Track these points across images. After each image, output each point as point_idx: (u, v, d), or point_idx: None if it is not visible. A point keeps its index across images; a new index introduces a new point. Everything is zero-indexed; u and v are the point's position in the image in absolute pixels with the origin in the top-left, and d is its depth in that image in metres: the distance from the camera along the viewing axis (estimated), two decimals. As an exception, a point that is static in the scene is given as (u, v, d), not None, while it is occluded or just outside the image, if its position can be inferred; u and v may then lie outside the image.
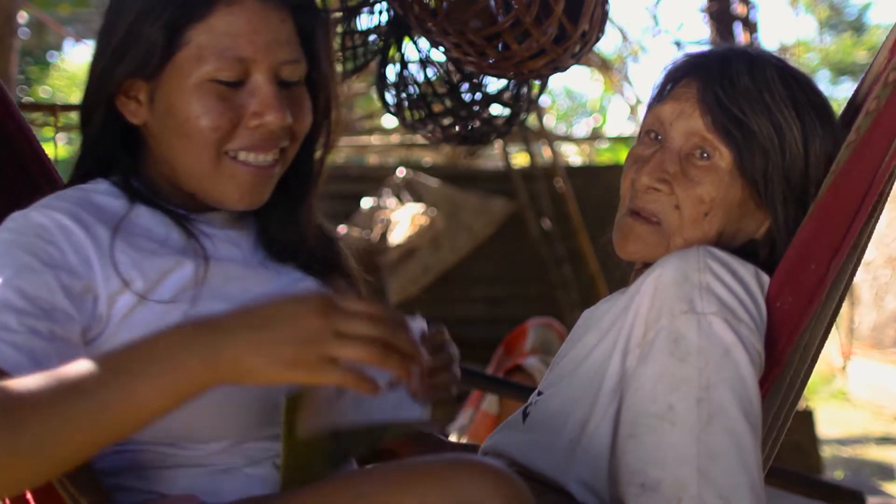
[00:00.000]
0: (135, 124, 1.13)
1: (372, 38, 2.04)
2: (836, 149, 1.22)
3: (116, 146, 1.15)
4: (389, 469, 0.99)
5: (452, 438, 3.23)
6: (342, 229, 5.61)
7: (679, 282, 1.12)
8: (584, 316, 1.35)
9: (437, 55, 1.97)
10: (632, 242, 1.26)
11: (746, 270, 1.16)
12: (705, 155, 1.22)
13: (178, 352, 0.86)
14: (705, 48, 1.34)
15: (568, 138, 9.48)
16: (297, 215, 1.21)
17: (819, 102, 1.25)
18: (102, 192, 1.13)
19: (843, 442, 6.03)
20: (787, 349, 1.17)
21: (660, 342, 1.11)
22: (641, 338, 1.14)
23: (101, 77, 1.11)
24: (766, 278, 1.18)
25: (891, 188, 1.22)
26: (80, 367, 0.87)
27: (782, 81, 1.23)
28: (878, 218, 1.23)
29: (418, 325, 1.02)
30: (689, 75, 1.25)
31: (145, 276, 1.06)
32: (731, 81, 1.22)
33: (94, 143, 1.15)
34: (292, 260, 1.20)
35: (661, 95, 1.29)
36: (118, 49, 1.09)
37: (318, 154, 1.24)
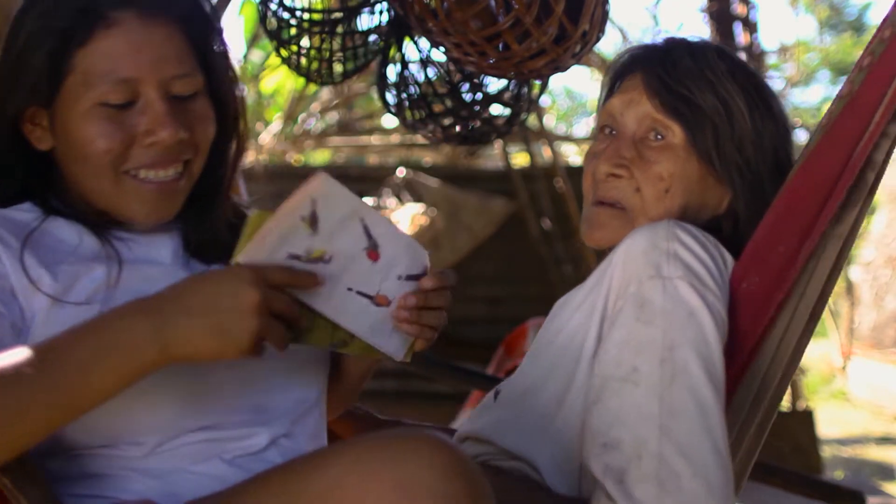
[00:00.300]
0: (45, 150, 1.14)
1: (372, 38, 2.04)
2: (777, 125, 1.29)
3: (27, 171, 1.15)
4: (330, 449, 1.00)
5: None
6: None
7: (647, 250, 1.13)
8: (558, 303, 1.35)
9: (438, 55, 1.97)
10: (597, 230, 1.29)
11: (710, 242, 1.17)
12: (659, 136, 1.27)
13: (130, 334, 0.92)
14: (647, 43, 1.37)
15: (568, 138, 9.46)
16: (213, 220, 1.20)
17: (758, 81, 1.31)
18: (20, 210, 1.15)
19: (843, 442, 6.03)
20: (755, 331, 1.17)
21: (627, 308, 1.13)
22: (612, 307, 1.16)
23: (1, 106, 1.12)
24: (728, 255, 1.19)
25: (883, 163, 1.21)
26: (31, 351, 0.92)
27: (722, 60, 1.29)
28: (867, 202, 1.22)
29: (421, 258, 1.07)
30: (633, 68, 1.31)
31: (57, 279, 1.08)
32: (673, 64, 1.27)
33: (4, 168, 1.15)
34: (217, 259, 1.20)
35: (610, 92, 1.34)
36: (11, 78, 1.10)
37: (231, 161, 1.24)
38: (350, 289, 1.04)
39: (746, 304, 1.16)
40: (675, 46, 1.31)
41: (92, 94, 1.07)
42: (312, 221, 1.00)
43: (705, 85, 1.26)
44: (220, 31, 1.17)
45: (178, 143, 1.10)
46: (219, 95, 1.17)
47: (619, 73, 1.34)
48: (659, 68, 1.28)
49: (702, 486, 1.03)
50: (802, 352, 1.26)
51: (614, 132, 1.31)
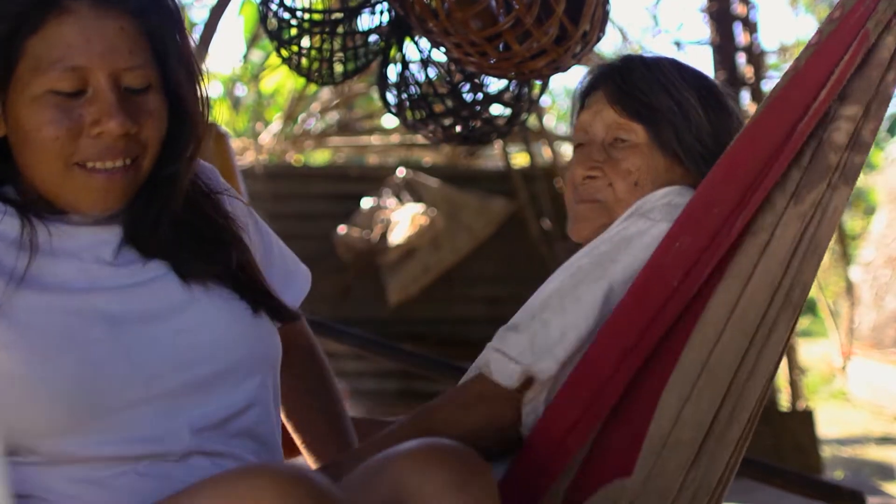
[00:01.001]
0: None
1: (373, 38, 2.04)
2: (731, 118, 1.43)
3: None
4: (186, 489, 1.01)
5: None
6: (342, 229, 5.61)
7: (631, 213, 1.33)
8: None
9: (438, 55, 1.97)
10: (580, 222, 1.46)
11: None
12: (625, 139, 1.41)
13: None
14: (609, 61, 1.52)
15: (568, 138, 9.47)
16: (157, 215, 1.18)
17: (709, 83, 1.46)
18: None
19: (843, 442, 6.03)
20: (690, 288, 1.21)
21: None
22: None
23: None
24: None
25: (849, 147, 1.24)
26: None
27: (673, 67, 1.44)
28: (840, 187, 1.24)
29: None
30: (596, 85, 1.47)
31: None
32: (630, 74, 1.43)
33: None
34: (157, 255, 1.18)
35: (579, 110, 1.49)
36: None
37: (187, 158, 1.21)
38: None
39: (678, 262, 1.22)
40: (630, 61, 1.47)
41: (42, 81, 1.07)
42: None
43: (660, 89, 1.41)
44: (180, 27, 1.16)
45: (126, 136, 1.09)
46: (176, 91, 1.16)
47: (585, 92, 1.49)
48: (618, 80, 1.43)
49: (527, 340, 1.28)
50: (786, 332, 1.26)
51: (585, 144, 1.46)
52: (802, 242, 1.24)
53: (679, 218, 1.25)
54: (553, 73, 1.79)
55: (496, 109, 2.04)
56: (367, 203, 5.74)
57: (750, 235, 1.23)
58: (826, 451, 5.41)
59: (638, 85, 1.42)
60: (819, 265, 1.27)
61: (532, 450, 1.22)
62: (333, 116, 7.37)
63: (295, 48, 2.00)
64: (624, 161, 1.40)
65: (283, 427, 1.34)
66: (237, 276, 1.20)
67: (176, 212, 1.19)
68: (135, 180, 1.14)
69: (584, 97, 1.49)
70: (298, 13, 1.96)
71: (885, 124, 5.23)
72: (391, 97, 2.04)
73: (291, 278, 1.38)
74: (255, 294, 1.21)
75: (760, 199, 1.22)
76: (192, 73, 1.17)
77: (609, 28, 1.80)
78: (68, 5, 1.07)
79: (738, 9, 5.55)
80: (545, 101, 9.28)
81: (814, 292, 5.71)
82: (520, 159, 6.58)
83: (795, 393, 5.48)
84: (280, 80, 6.93)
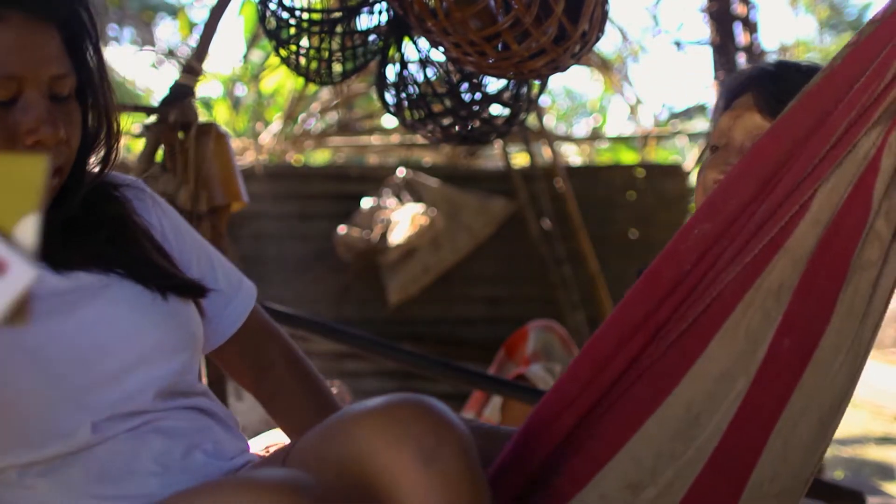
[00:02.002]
0: None
1: (372, 38, 2.04)
2: None
3: None
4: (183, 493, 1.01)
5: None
6: (342, 229, 5.61)
7: None
8: None
9: (437, 55, 1.97)
10: None
11: None
12: None
13: None
14: (757, 65, 1.46)
15: (568, 138, 9.46)
16: (65, 221, 1.19)
17: None
18: None
19: (843, 442, 6.03)
20: (699, 268, 1.18)
21: None
22: None
23: None
24: None
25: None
26: None
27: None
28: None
29: None
30: (745, 88, 1.40)
31: None
32: (782, 81, 1.36)
33: None
34: (67, 257, 1.18)
35: (720, 111, 1.43)
36: None
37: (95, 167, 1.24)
38: None
39: (694, 247, 1.18)
40: (784, 67, 1.41)
41: None
42: None
43: None
44: (96, 34, 1.18)
45: (56, 144, 1.10)
46: (86, 99, 1.18)
47: (733, 95, 1.42)
48: (770, 85, 1.38)
49: None
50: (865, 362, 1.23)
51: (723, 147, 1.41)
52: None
53: (700, 208, 1.22)
54: (552, 73, 1.78)
55: (495, 109, 2.04)
56: (367, 203, 5.74)
57: (860, 270, 1.17)
58: (826, 451, 5.40)
59: (792, 92, 1.30)
60: None
61: (530, 425, 1.19)
62: (333, 116, 7.37)
63: (294, 48, 2.00)
64: None
65: None
66: (138, 266, 1.20)
67: (74, 210, 1.19)
68: (56, 186, 1.15)
69: (730, 99, 1.43)
70: (297, 13, 1.96)
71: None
72: (390, 97, 2.04)
73: (235, 291, 1.38)
74: (159, 279, 1.20)
75: (794, 197, 1.17)
76: (107, 81, 1.20)
77: (609, 28, 1.80)
78: (3, 13, 1.07)
79: (738, 9, 5.55)
80: (544, 100, 9.29)
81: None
82: (520, 159, 6.58)
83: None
84: (280, 80, 6.92)
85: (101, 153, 1.23)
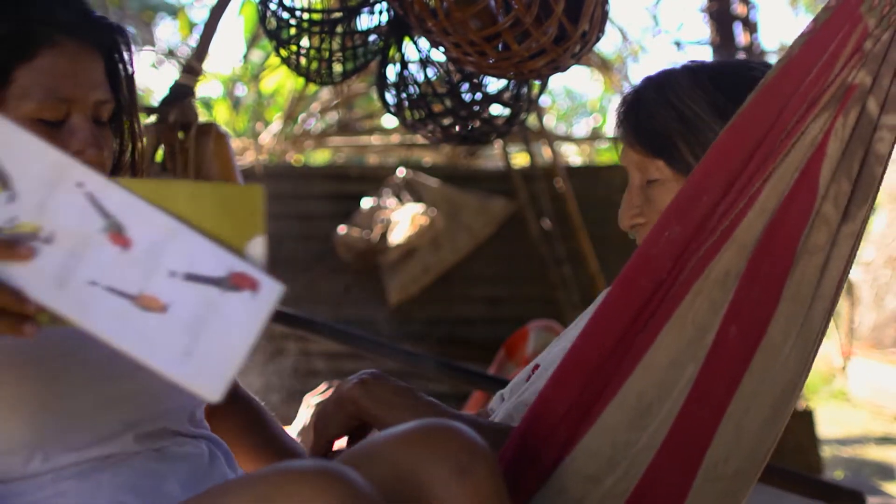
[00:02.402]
0: None
1: (372, 38, 2.04)
2: None
3: None
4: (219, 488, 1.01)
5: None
6: (342, 229, 5.61)
7: None
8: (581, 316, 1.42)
9: (438, 55, 1.97)
10: None
11: None
12: (653, 177, 1.35)
13: None
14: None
15: (568, 138, 9.46)
16: None
17: (732, 81, 1.33)
18: None
19: (843, 442, 6.03)
20: (675, 277, 1.17)
21: None
22: None
23: None
24: None
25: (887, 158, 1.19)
26: None
27: (686, 75, 1.35)
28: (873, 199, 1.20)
29: (216, 254, 0.83)
30: (618, 126, 1.40)
31: None
32: (639, 103, 1.36)
33: None
34: None
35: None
36: None
37: None
38: (94, 283, 0.82)
39: (665, 252, 1.18)
40: (643, 85, 1.39)
41: (27, 108, 1.09)
42: (1, 180, 0.82)
43: (668, 110, 1.33)
44: (130, 63, 1.22)
45: (99, 165, 1.13)
46: (119, 126, 1.23)
47: (616, 133, 1.43)
48: (631, 117, 1.37)
49: None
50: (818, 350, 1.23)
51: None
52: (850, 261, 1.20)
53: (668, 208, 1.20)
54: (552, 73, 1.78)
55: (495, 109, 2.04)
56: (367, 203, 5.74)
57: (806, 255, 1.17)
58: (826, 451, 5.40)
59: (650, 116, 1.35)
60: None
61: (519, 441, 1.20)
62: (333, 116, 7.37)
63: (294, 48, 2.00)
64: (658, 201, 1.35)
65: None
66: None
67: None
68: None
69: (617, 134, 1.43)
70: (298, 13, 1.96)
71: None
72: (390, 97, 2.04)
73: None
74: None
75: (747, 188, 1.18)
76: (136, 107, 1.25)
77: (609, 28, 1.80)
78: (59, 39, 1.10)
79: (738, 9, 5.55)
80: (545, 100, 9.29)
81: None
82: (520, 159, 6.58)
83: (795, 393, 5.46)
84: (280, 80, 6.92)
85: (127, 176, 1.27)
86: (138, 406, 1.14)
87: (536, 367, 1.43)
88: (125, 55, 1.21)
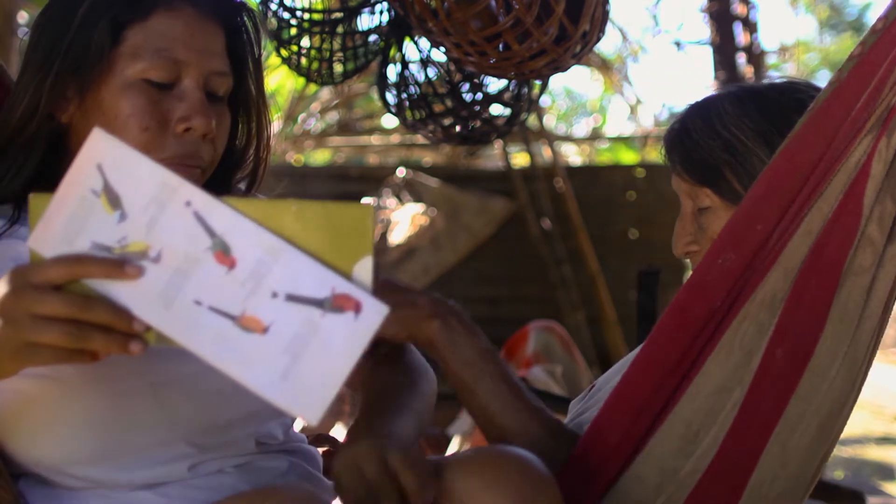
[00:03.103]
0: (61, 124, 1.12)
1: (373, 38, 2.04)
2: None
3: (44, 154, 1.11)
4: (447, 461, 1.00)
5: (454, 441, 3.22)
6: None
7: None
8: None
9: (438, 55, 1.97)
10: None
11: None
12: (704, 205, 1.35)
13: None
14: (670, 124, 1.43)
15: (568, 138, 9.47)
16: None
17: (778, 108, 1.31)
18: None
19: (843, 442, 6.02)
20: (730, 306, 1.16)
21: None
22: None
23: (41, 83, 1.09)
24: None
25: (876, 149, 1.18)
26: None
27: (735, 103, 1.33)
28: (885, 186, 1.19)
29: (320, 273, 0.81)
30: (666, 151, 1.40)
31: None
32: (687, 134, 1.35)
33: (23, 157, 1.11)
34: None
35: None
36: (63, 49, 1.08)
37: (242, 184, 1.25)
38: (199, 302, 0.81)
39: (721, 280, 1.16)
40: (688, 113, 1.38)
41: (137, 67, 1.08)
42: (112, 199, 0.82)
43: (714, 137, 1.32)
44: (258, 51, 1.20)
45: (205, 140, 1.11)
46: (240, 109, 1.20)
47: (666, 159, 1.42)
48: (678, 146, 1.36)
49: None
50: (869, 370, 1.23)
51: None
52: None
53: (721, 235, 1.19)
54: (553, 73, 1.78)
55: (496, 109, 2.04)
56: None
57: (852, 276, 1.16)
58: (830, 455, 5.39)
59: (696, 146, 1.34)
60: None
61: (568, 475, 1.17)
62: (333, 116, 7.38)
63: (295, 48, 2.00)
64: (709, 229, 1.33)
65: None
66: None
67: None
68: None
69: (666, 162, 1.42)
70: (298, 13, 1.96)
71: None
72: (391, 97, 2.04)
73: None
74: None
75: (800, 215, 1.17)
76: (264, 99, 1.21)
77: (609, 28, 1.80)
78: (176, 4, 1.10)
79: (738, 9, 5.56)
80: (545, 101, 9.29)
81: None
82: (520, 159, 6.58)
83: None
84: (280, 80, 6.93)
85: (248, 172, 1.24)
86: (202, 438, 1.11)
87: (592, 386, 1.42)
88: (252, 36, 1.19)
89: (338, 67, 2.05)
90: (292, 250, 0.81)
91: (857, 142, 1.15)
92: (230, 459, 1.13)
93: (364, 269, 0.82)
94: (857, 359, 1.19)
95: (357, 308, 0.80)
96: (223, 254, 0.81)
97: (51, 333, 0.82)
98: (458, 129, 2.01)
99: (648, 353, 1.18)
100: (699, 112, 1.36)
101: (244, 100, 1.20)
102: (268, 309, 0.81)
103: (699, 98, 1.41)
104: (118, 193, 0.82)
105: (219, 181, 1.19)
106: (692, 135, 1.34)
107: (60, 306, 0.81)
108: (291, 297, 0.81)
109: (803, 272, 1.16)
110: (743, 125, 1.31)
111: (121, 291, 0.82)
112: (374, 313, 0.80)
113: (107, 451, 1.06)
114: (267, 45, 2.21)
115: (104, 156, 0.82)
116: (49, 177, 1.11)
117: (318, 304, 0.80)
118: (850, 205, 1.16)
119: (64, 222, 0.83)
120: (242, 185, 1.26)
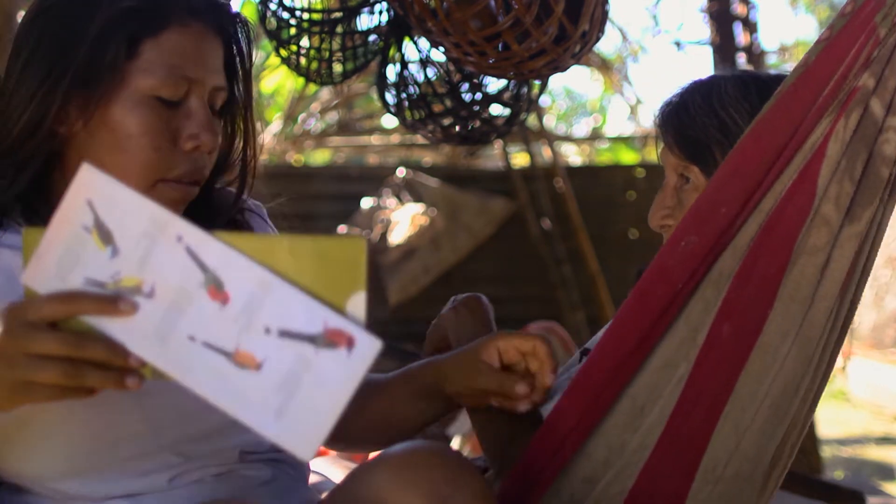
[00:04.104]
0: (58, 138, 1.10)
1: (372, 38, 2.04)
2: None
3: (40, 165, 1.09)
4: (367, 464, 1.00)
5: (455, 442, 3.22)
6: (342, 229, 5.61)
7: None
8: None
9: (438, 55, 1.97)
10: None
11: None
12: (687, 179, 1.35)
13: None
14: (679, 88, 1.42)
15: (568, 138, 9.48)
16: None
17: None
18: None
19: (843, 442, 6.03)
20: (689, 284, 1.16)
21: None
22: None
23: (48, 97, 1.06)
24: None
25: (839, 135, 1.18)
26: None
27: (736, 84, 1.33)
28: (890, 201, 1.19)
29: (313, 309, 0.81)
30: (660, 123, 1.39)
31: None
32: (685, 109, 1.35)
33: (16, 172, 1.09)
34: None
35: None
36: (75, 62, 1.06)
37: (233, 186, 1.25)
38: (193, 338, 0.81)
39: (683, 262, 1.16)
40: (688, 90, 1.37)
41: (148, 83, 1.07)
42: (104, 235, 0.83)
43: (710, 116, 1.32)
44: (249, 58, 1.20)
45: (211, 152, 1.12)
46: (229, 113, 1.20)
47: (657, 129, 1.42)
48: (673, 118, 1.36)
49: None
50: (836, 356, 1.22)
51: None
52: (857, 263, 1.18)
53: (685, 217, 1.19)
54: (552, 73, 1.78)
55: (495, 109, 2.04)
56: (367, 203, 5.74)
57: (805, 255, 1.16)
58: (826, 451, 5.40)
59: (692, 121, 1.34)
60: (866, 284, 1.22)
61: (531, 455, 1.19)
62: (333, 116, 7.38)
63: (294, 48, 1.99)
64: (688, 204, 1.32)
65: None
66: None
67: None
68: (192, 198, 1.14)
69: (658, 133, 1.42)
70: (298, 13, 1.96)
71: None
72: (390, 97, 2.04)
73: None
74: None
75: (760, 198, 1.17)
76: (251, 104, 1.22)
77: (609, 28, 1.80)
78: (187, 20, 1.09)
79: (738, 9, 5.55)
80: (545, 101, 9.29)
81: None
82: (520, 159, 6.58)
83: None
84: (280, 80, 6.93)
85: (237, 176, 1.24)
86: (186, 447, 1.11)
87: (587, 350, 1.41)
88: (244, 47, 1.19)
89: (337, 67, 2.05)
90: (284, 285, 0.80)
91: (817, 124, 1.15)
92: (212, 469, 1.12)
93: (357, 303, 0.81)
94: (812, 339, 1.18)
95: (350, 343, 0.79)
96: (216, 289, 0.81)
97: (46, 372, 0.81)
98: (457, 129, 2.01)
99: (609, 337, 1.18)
100: (700, 90, 1.36)
101: (234, 106, 1.20)
102: (261, 345, 0.80)
103: (702, 76, 1.40)
104: (109, 229, 0.82)
105: (203, 187, 1.18)
106: (689, 110, 1.34)
107: (56, 345, 0.81)
108: (284, 333, 0.80)
109: (753, 249, 1.16)
110: (741, 108, 1.31)
111: (115, 327, 0.82)
112: (368, 348, 0.79)
113: (90, 464, 1.06)
114: (266, 46, 2.21)
115: (94, 191, 0.82)
116: (38, 189, 1.10)
117: (311, 339, 0.80)
118: (805, 184, 1.16)
119: (57, 258, 0.83)
120: (233, 189, 1.25)
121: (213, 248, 0.81)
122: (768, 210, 1.16)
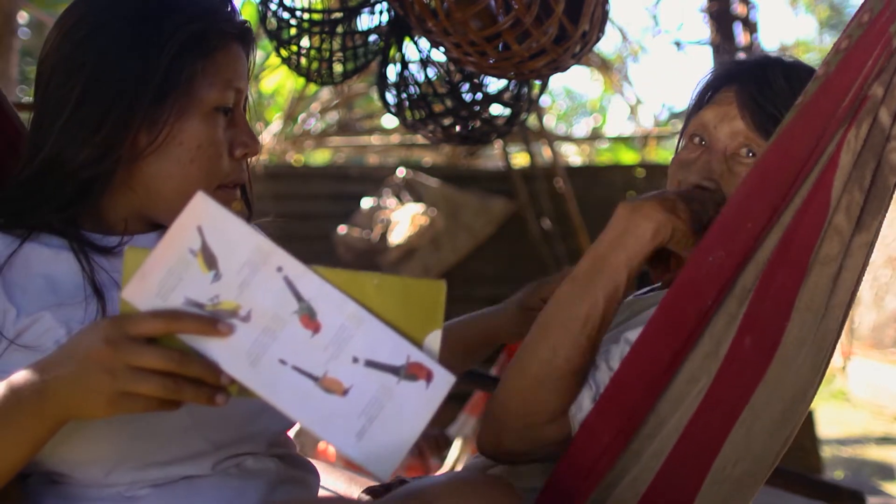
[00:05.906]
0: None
1: (372, 38, 2.04)
2: None
3: (88, 178, 1.13)
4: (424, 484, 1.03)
5: (455, 443, 3.23)
6: (342, 229, 5.61)
7: None
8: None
9: (438, 55, 1.97)
10: None
11: None
12: (751, 153, 1.29)
13: (11, 410, 0.91)
14: (740, 58, 1.38)
15: (568, 138, 9.48)
16: None
17: None
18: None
19: (843, 442, 6.03)
20: (718, 301, 1.16)
21: None
22: None
23: (123, 116, 1.10)
24: None
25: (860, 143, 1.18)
26: None
27: (808, 73, 1.28)
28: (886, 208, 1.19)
29: (396, 343, 0.90)
30: (727, 82, 1.33)
31: (19, 318, 1.08)
32: (767, 83, 1.30)
33: (63, 192, 1.13)
34: None
35: (700, 103, 1.36)
36: (150, 84, 1.11)
37: None
38: (284, 362, 0.88)
39: (712, 278, 1.15)
40: (770, 65, 1.33)
41: (213, 96, 1.15)
42: (208, 259, 0.88)
43: (792, 100, 1.25)
44: (253, 66, 1.27)
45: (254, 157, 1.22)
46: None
47: (712, 86, 1.36)
48: (753, 86, 1.31)
49: None
50: (832, 356, 1.23)
51: (704, 142, 1.34)
52: (863, 270, 1.19)
53: (712, 230, 1.16)
54: (552, 73, 1.78)
55: (496, 109, 2.04)
56: (367, 203, 5.74)
57: (819, 265, 1.16)
58: (826, 451, 5.40)
59: (774, 97, 1.29)
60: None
61: (562, 475, 1.18)
62: (333, 116, 7.38)
63: (294, 48, 2.00)
64: (736, 178, 1.28)
65: None
66: None
67: None
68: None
69: (710, 89, 1.36)
70: (298, 13, 1.96)
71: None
72: (391, 97, 2.04)
73: None
74: None
75: (783, 211, 1.16)
76: (248, 106, 1.29)
77: (609, 28, 1.80)
78: (230, 45, 1.19)
79: (738, 9, 5.55)
80: (545, 101, 9.29)
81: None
82: (520, 159, 6.58)
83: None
84: (280, 80, 6.93)
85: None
86: (222, 429, 1.13)
87: None
88: (253, 57, 1.28)
89: (338, 67, 2.05)
90: (373, 320, 0.89)
91: (836, 134, 1.15)
92: (248, 459, 1.16)
93: (434, 340, 0.90)
94: (823, 346, 1.19)
95: (429, 377, 0.89)
96: (309, 318, 0.88)
97: (148, 385, 0.87)
98: (458, 129, 2.01)
99: (640, 353, 1.17)
100: (783, 71, 1.32)
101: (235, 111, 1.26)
102: (348, 372, 0.88)
103: (773, 55, 1.36)
104: (215, 254, 0.88)
105: None
106: (773, 88, 1.30)
107: (159, 360, 0.86)
108: (370, 363, 0.88)
109: (771, 263, 1.16)
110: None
111: (210, 346, 0.87)
112: (444, 382, 0.89)
113: (133, 450, 1.08)
114: (266, 46, 2.21)
115: (204, 218, 0.88)
116: (81, 202, 1.13)
117: (395, 371, 0.88)
118: (819, 195, 1.16)
119: (160, 278, 0.87)
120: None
121: (310, 280, 0.88)
122: (787, 223, 1.16)
